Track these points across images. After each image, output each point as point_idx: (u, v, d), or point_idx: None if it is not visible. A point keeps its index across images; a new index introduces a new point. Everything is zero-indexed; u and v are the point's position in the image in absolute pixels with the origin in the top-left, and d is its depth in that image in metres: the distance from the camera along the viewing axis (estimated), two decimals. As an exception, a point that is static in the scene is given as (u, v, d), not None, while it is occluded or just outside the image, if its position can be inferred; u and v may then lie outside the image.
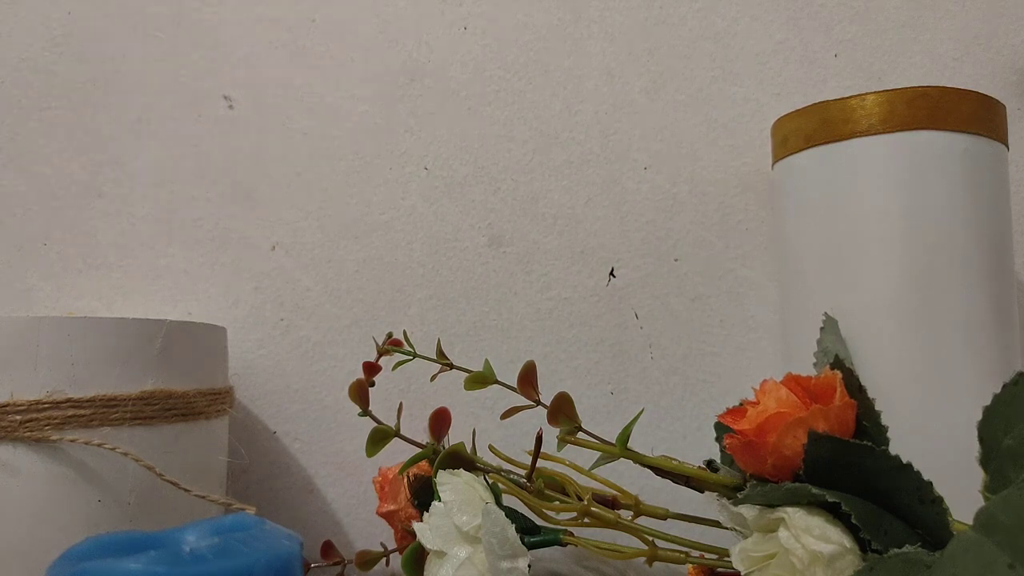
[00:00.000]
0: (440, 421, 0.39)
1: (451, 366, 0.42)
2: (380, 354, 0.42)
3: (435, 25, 0.57)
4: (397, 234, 0.56)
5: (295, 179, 0.55)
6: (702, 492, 0.33)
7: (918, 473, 0.26)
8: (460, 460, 0.36)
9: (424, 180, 0.56)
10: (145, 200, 0.54)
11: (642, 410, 0.46)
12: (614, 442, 0.33)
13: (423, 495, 0.37)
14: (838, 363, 0.30)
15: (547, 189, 0.56)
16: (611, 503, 0.34)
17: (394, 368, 0.43)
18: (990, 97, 0.43)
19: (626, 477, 0.46)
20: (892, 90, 0.42)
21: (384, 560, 0.42)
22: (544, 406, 0.35)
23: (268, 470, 0.54)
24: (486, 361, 0.40)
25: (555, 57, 0.57)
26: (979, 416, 0.27)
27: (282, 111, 0.56)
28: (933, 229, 0.41)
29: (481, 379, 0.39)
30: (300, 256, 0.55)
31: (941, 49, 0.58)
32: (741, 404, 0.30)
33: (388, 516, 0.42)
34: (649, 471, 0.33)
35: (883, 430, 0.29)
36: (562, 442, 0.34)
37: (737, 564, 0.28)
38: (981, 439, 0.26)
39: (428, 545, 0.33)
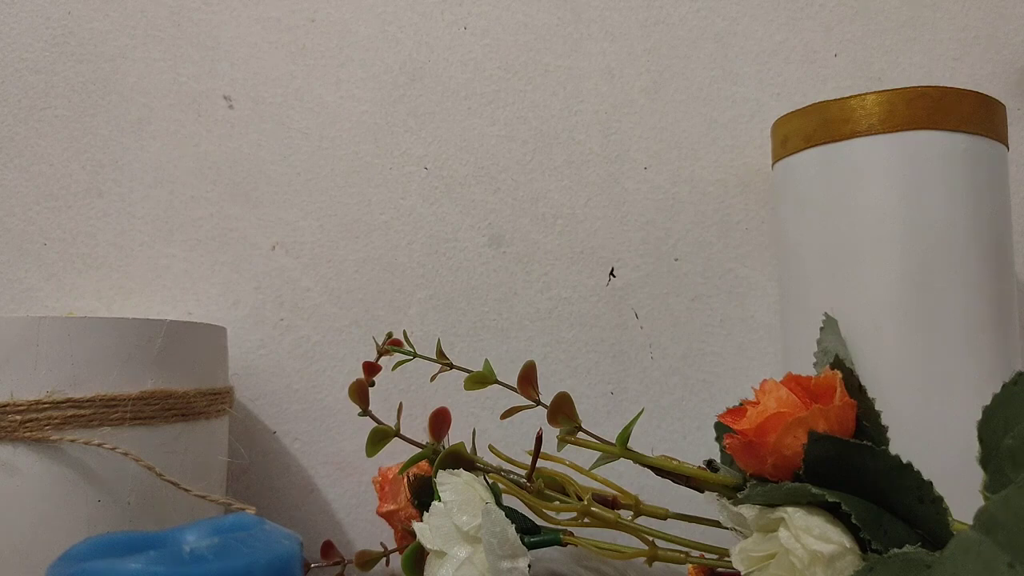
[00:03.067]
0: (440, 421, 0.39)
1: (451, 366, 0.42)
2: (380, 354, 0.42)
3: (435, 25, 0.57)
4: (397, 234, 0.56)
5: (295, 179, 0.55)
6: (702, 492, 0.33)
7: (918, 473, 0.26)
8: (460, 460, 0.36)
9: (424, 180, 0.56)
10: (145, 200, 0.54)
11: (642, 410, 0.46)
12: (614, 442, 0.33)
13: (423, 495, 0.37)
14: (838, 363, 0.30)
15: (547, 189, 0.56)
16: (611, 503, 0.34)
17: (394, 368, 0.43)
18: (990, 97, 0.43)
19: (626, 477, 0.46)
20: (892, 90, 0.42)
21: (384, 560, 0.42)
22: (544, 406, 0.35)
23: (268, 470, 0.54)
24: (486, 361, 0.40)
25: (555, 57, 0.57)
26: (979, 416, 0.27)
27: (282, 111, 0.56)
28: (933, 229, 0.41)
29: (481, 379, 0.39)
30: (300, 256, 0.55)
31: (941, 49, 0.58)
32: (741, 404, 0.30)
33: (388, 516, 0.42)
34: (649, 471, 0.33)
35: (883, 430, 0.29)
36: (562, 442, 0.34)
37: (737, 564, 0.28)
38: (981, 439, 0.26)
39: (428, 545, 0.33)
